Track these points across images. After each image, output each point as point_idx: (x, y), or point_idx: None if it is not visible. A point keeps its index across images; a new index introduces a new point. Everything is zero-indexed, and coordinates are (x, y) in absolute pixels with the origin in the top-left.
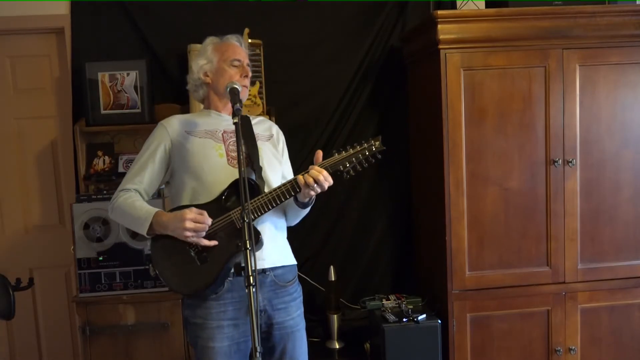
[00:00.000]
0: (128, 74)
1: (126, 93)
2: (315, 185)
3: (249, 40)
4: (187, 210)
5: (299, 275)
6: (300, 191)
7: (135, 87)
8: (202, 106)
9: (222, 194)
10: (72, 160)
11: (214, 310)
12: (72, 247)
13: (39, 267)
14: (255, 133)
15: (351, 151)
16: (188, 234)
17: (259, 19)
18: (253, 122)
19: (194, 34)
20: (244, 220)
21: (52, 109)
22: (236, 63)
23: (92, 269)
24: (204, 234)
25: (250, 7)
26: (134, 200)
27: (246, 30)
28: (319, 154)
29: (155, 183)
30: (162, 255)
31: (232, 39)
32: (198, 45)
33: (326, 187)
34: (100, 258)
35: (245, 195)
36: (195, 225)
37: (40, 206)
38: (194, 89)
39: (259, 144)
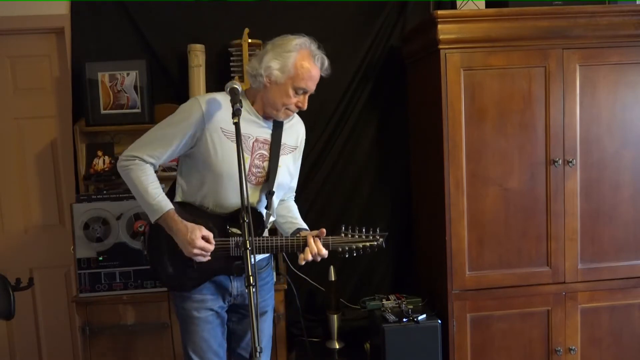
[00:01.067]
0: (128, 74)
1: (126, 93)
2: (310, 259)
3: (249, 40)
4: (198, 235)
5: (298, 275)
6: (300, 252)
7: (135, 87)
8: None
9: (229, 216)
10: (72, 160)
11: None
12: (72, 247)
13: (39, 267)
14: (282, 142)
15: (357, 238)
16: (190, 255)
17: (259, 19)
18: (286, 124)
19: (194, 34)
20: (244, 221)
21: (52, 109)
22: (301, 92)
23: (92, 269)
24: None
25: (250, 7)
26: (149, 180)
27: (246, 30)
28: (323, 232)
29: (171, 159)
30: (158, 247)
31: (318, 61)
32: (198, 45)
33: (319, 260)
34: (100, 258)
35: (245, 195)
36: (200, 252)
37: (40, 206)
38: (253, 77)
39: (281, 159)
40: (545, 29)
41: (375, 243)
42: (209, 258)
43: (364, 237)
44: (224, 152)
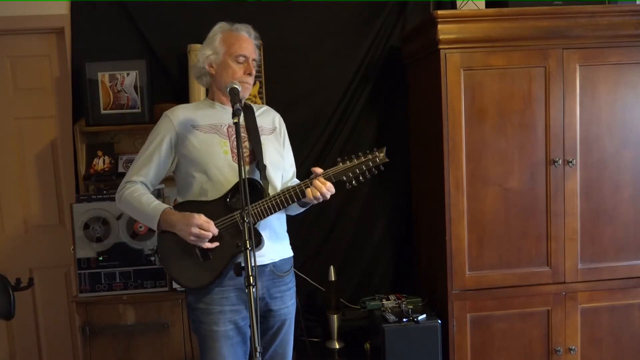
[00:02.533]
0: (128, 74)
1: (126, 93)
2: (320, 196)
3: None
4: (195, 216)
5: (298, 275)
6: (303, 197)
7: (135, 87)
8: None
9: (227, 193)
10: (72, 160)
11: (217, 296)
12: (72, 247)
13: (39, 267)
14: (259, 126)
15: (355, 161)
16: (192, 238)
17: (259, 19)
18: (257, 112)
19: (194, 34)
20: (244, 221)
21: (52, 109)
22: (241, 59)
23: (92, 269)
24: (207, 240)
25: (250, 7)
26: (141, 195)
27: None
28: (317, 170)
29: (161, 174)
30: (169, 250)
31: (242, 30)
32: (198, 46)
33: (329, 197)
34: (100, 258)
35: (245, 196)
36: (200, 231)
37: (40, 206)
38: (198, 75)
39: (263, 139)
40: (545, 29)
41: (378, 160)
42: (214, 245)
43: (363, 158)
44: (199, 142)
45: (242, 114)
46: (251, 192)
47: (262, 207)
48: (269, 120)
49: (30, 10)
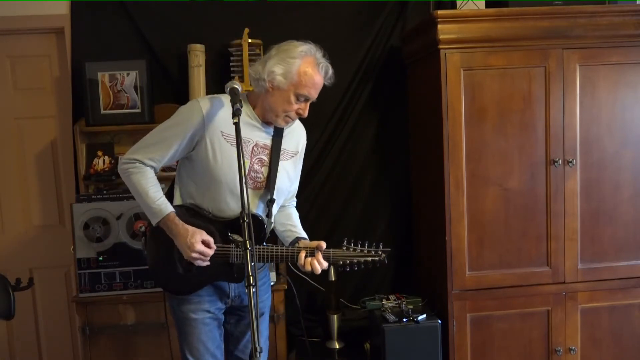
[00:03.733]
0: (128, 74)
1: (126, 93)
2: (310, 271)
3: (249, 40)
4: (198, 239)
5: (298, 275)
6: (297, 261)
7: (135, 87)
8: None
9: (230, 223)
10: (72, 160)
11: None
12: (72, 247)
13: (39, 267)
14: (282, 148)
15: (359, 252)
16: (189, 258)
17: (259, 19)
18: (286, 130)
19: (194, 34)
20: (244, 220)
21: (52, 109)
22: (302, 100)
23: (92, 269)
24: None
25: (250, 7)
26: (149, 184)
27: (246, 30)
28: (322, 245)
29: (172, 162)
30: (157, 250)
31: (322, 69)
32: (198, 46)
33: (319, 272)
34: (100, 258)
35: (245, 196)
36: (199, 257)
37: (40, 206)
38: (255, 81)
39: (281, 165)
40: (545, 29)
41: (377, 258)
42: (208, 263)
43: (365, 251)
44: (224, 157)
45: (271, 134)
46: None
47: (257, 254)
48: (294, 143)
49: (30, 10)
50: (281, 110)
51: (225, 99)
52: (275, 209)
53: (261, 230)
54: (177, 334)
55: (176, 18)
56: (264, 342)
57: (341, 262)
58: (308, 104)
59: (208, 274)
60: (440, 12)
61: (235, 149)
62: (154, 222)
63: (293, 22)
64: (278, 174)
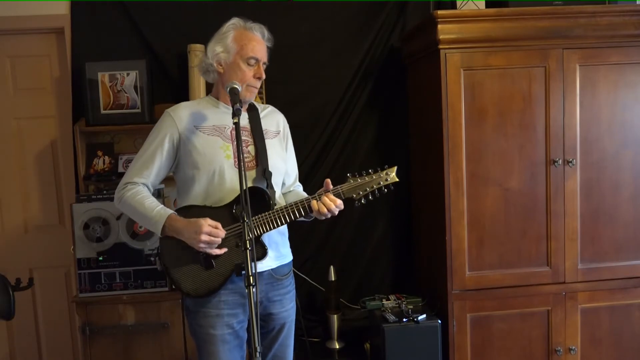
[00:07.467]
0: (128, 74)
1: (126, 93)
2: (327, 212)
3: None
4: (203, 222)
5: (299, 275)
6: (311, 212)
7: (135, 87)
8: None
9: (232, 202)
10: (72, 160)
11: (214, 299)
12: (72, 247)
13: (39, 267)
14: (263, 129)
15: (366, 178)
16: (202, 245)
17: (259, 19)
18: (261, 113)
19: (194, 34)
20: (244, 220)
21: (52, 109)
22: (252, 62)
23: (92, 269)
24: (216, 245)
25: (250, 7)
26: (144, 198)
27: None
28: (328, 182)
29: (162, 175)
30: (173, 257)
31: (257, 31)
32: (198, 46)
33: (337, 213)
34: (100, 258)
35: (245, 198)
36: (209, 238)
37: (40, 206)
38: (205, 71)
39: (267, 143)
40: (545, 29)
41: (389, 179)
42: (225, 249)
43: (373, 176)
44: (201, 144)
45: (246, 115)
46: (258, 201)
47: (268, 219)
48: (273, 122)
49: (30, 10)
50: (240, 82)
51: (192, 102)
52: (277, 188)
53: (263, 198)
54: (197, 355)
55: (176, 18)
56: (290, 353)
57: (354, 195)
58: (262, 66)
59: (228, 264)
60: (440, 12)
61: (215, 138)
62: (158, 230)
63: (293, 22)
64: (267, 150)
